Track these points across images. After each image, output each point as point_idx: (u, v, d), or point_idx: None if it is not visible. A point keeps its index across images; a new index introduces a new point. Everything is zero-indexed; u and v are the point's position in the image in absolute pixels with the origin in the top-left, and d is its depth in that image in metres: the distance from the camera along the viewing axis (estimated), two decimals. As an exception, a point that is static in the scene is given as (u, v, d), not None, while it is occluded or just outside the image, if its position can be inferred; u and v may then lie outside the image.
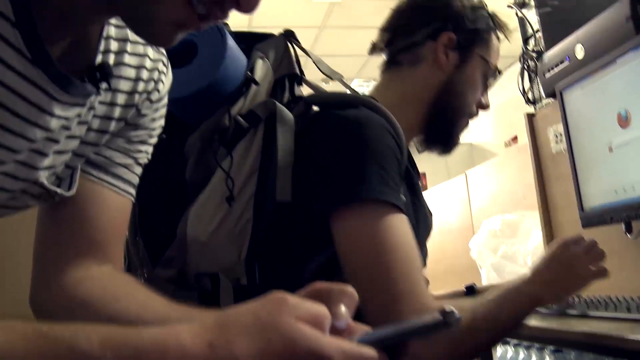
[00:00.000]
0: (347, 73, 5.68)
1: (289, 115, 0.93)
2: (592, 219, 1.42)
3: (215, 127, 0.94)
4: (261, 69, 1.00)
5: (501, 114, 6.73)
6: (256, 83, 0.97)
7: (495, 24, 1.20)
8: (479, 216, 2.47)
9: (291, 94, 1.03)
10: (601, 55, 1.36)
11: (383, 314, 0.78)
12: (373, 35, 1.25)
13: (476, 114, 1.22)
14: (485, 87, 1.21)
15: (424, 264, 1.11)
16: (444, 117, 1.17)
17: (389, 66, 1.21)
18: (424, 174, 6.80)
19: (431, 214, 1.18)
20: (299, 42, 1.08)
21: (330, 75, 1.08)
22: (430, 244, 1.13)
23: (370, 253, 0.82)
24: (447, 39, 1.14)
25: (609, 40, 1.37)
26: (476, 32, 1.17)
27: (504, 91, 6.62)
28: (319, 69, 1.08)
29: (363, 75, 6.09)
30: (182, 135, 0.96)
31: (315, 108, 0.97)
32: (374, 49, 1.25)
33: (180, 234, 0.89)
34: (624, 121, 1.29)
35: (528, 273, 0.98)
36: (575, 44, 1.50)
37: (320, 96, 1.00)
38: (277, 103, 0.93)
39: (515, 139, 6.35)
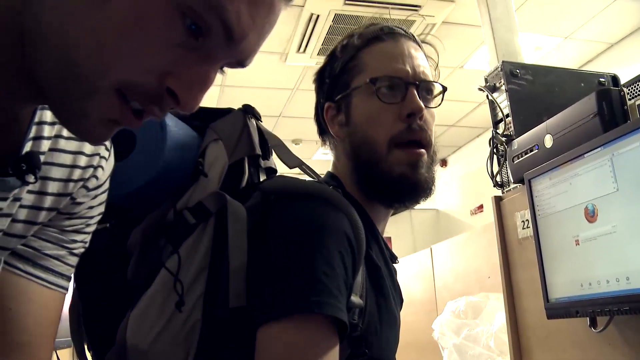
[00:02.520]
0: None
1: (240, 209, 0.84)
2: (557, 310, 1.40)
3: (159, 222, 0.86)
4: (213, 154, 0.91)
5: (468, 183, 6.85)
6: (204, 174, 0.88)
7: (365, 43, 1.07)
8: (442, 292, 2.45)
9: (255, 172, 0.95)
10: (569, 147, 1.37)
11: None
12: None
13: (407, 132, 1.01)
14: (392, 93, 1.03)
15: (394, 358, 1.04)
16: (368, 171, 1.03)
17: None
18: (389, 239, 6.82)
19: (401, 302, 1.12)
20: (260, 118, 1.01)
21: (287, 162, 0.98)
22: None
23: None
24: (327, 110, 1.10)
25: (577, 133, 1.38)
26: (346, 81, 1.07)
27: (471, 160, 6.75)
28: (277, 156, 0.98)
29: (334, 138, 6.14)
30: (128, 226, 0.88)
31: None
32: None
33: (120, 340, 0.81)
34: (590, 216, 1.29)
35: None
36: (544, 134, 1.51)
37: (277, 183, 0.91)
38: (227, 196, 0.85)
39: (480, 207, 6.45)
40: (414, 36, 1.11)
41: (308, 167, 1.00)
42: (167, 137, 0.86)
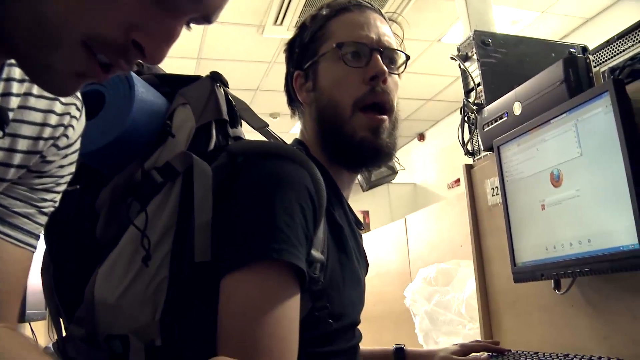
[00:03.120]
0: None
1: (206, 168, 0.87)
2: (523, 274, 1.44)
3: (128, 181, 0.88)
4: (181, 117, 0.94)
5: (445, 157, 6.90)
6: (172, 135, 0.91)
7: (333, 14, 1.12)
8: (416, 262, 2.48)
9: (224, 140, 0.98)
10: (537, 113, 1.39)
11: None
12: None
13: (370, 93, 1.05)
14: (357, 58, 1.07)
15: (358, 318, 1.08)
16: (333, 136, 1.07)
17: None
18: (367, 212, 6.87)
19: (366, 266, 1.16)
20: (227, 85, 1.03)
21: (253, 124, 1.02)
22: (368, 286, 1.09)
23: (240, 320, 0.76)
24: (297, 78, 1.14)
25: (544, 100, 1.40)
26: (314, 50, 1.11)
27: (448, 134, 6.83)
28: (243, 118, 1.02)
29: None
30: (97, 187, 0.90)
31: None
32: None
33: (88, 295, 0.83)
34: (556, 181, 1.32)
35: None
36: (513, 101, 1.53)
37: (242, 144, 0.94)
38: (194, 156, 0.87)
39: (457, 181, 6.51)
40: (380, 11, 1.16)
41: (272, 131, 1.03)
42: (134, 96, 0.89)
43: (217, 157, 0.91)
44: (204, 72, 1.03)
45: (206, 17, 0.56)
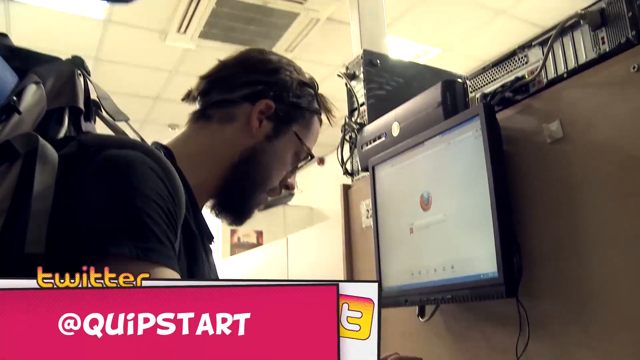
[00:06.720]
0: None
1: (52, 153, 0.78)
2: (388, 300, 1.39)
3: None
4: (31, 95, 0.84)
5: (342, 182, 6.94)
6: (18, 112, 0.81)
7: (320, 106, 1.12)
8: (295, 283, 2.42)
9: (75, 131, 0.89)
10: (414, 135, 1.37)
11: None
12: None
13: (279, 192, 1.12)
14: (295, 168, 1.12)
15: None
16: (241, 185, 1.05)
17: (198, 117, 1.08)
18: (261, 233, 6.76)
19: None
20: (88, 72, 0.94)
21: (113, 115, 0.93)
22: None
23: None
24: (265, 106, 1.05)
25: (422, 122, 1.38)
26: (297, 109, 1.08)
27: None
28: (104, 108, 0.93)
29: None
30: None
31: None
32: (188, 96, 1.12)
33: None
34: (425, 204, 1.29)
35: None
36: (392, 122, 1.50)
37: (95, 136, 0.86)
38: (40, 138, 0.78)
39: (354, 208, 6.54)
40: None
41: (133, 127, 0.95)
42: None
43: (65, 146, 0.81)
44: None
45: None
